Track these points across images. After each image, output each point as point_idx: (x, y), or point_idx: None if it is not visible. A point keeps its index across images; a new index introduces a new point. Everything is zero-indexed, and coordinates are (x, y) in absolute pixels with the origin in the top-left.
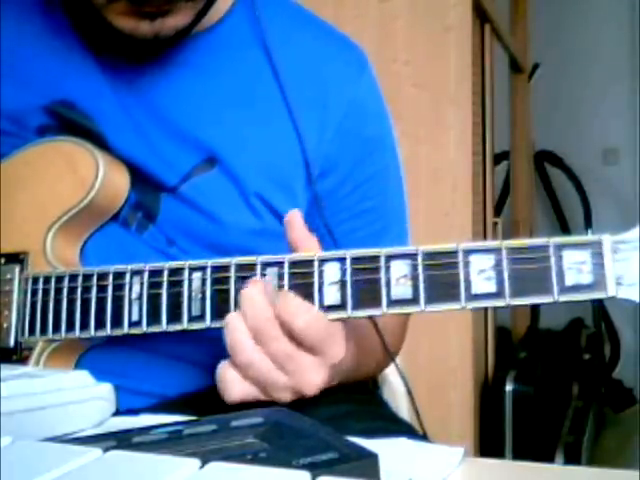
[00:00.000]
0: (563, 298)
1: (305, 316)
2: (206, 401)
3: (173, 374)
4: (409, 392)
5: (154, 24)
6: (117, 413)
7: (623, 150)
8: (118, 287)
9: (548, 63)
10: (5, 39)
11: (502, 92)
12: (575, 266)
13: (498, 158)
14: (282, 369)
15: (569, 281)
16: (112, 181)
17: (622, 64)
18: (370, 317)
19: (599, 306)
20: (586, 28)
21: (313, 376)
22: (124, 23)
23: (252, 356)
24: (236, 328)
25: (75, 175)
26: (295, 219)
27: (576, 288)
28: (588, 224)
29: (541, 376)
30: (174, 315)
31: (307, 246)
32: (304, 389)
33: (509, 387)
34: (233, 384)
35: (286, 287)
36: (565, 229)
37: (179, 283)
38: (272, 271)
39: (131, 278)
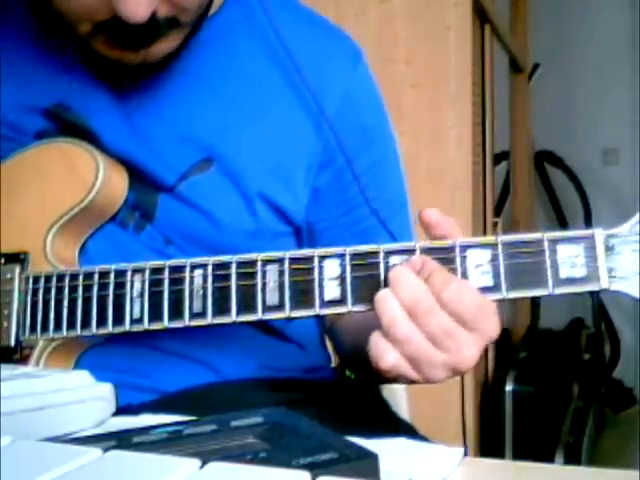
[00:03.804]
0: (558, 291)
1: (454, 285)
2: (207, 397)
3: (173, 370)
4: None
5: (138, 54)
6: (118, 410)
7: (623, 150)
8: (119, 285)
9: (548, 63)
10: (2, 44)
11: (502, 92)
12: (569, 260)
13: (498, 158)
14: (439, 346)
15: (563, 274)
16: (112, 182)
17: (622, 64)
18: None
19: (599, 306)
20: (586, 28)
21: (469, 352)
22: (109, 52)
23: (409, 331)
24: (390, 303)
25: (75, 176)
26: (434, 219)
27: (570, 281)
28: (588, 224)
29: (541, 376)
30: (175, 312)
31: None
32: (460, 366)
33: (509, 387)
34: (386, 351)
35: (287, 283)
36: (565, 229)
37: (180, 280)
38: (273, 268)
39: (132, 276)
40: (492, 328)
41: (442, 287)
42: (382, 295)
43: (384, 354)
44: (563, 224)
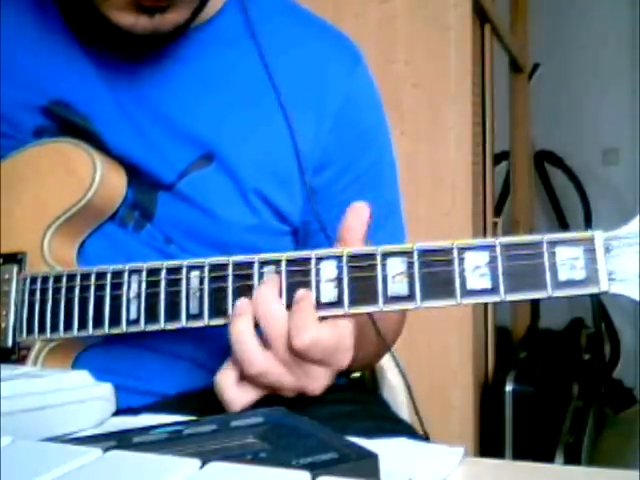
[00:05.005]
0: (557, 293)
1: (304, 336)
2: (205, 399)
3: (172, 373)
4: (410, 393)
5: (153, 19)
6: (116, 412)
7: (623, 150)
8: (116, 286)
9: (548, 63)
10: (1, 40)
11: (502, 92)
12: (568, 262)
13: (498, 158)
14: (290, 371)
15: (562, 277)
16: (109, 181)
17: (622, 64)
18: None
19: (599, 306)
20: (586, 28)
21: (318, 382)
22: (123, 18)
23: (264, 366)
24: (246, 340)
25: (73, 176)
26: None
27: (569, 283)
28: (588, 224)
29: (541, 376)
30: (172, 313)
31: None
32: (308, 391)
33: (509, 387)
34: (237, 398)
35: (284, 284)
36: (565, 229)
37: (177, 282)
38: (270, 269)
39: (129, 277)
40: (344, 361)
41: (296, 333)
42: (239, 326)
43: (236, 401)
44: (563, 224)
